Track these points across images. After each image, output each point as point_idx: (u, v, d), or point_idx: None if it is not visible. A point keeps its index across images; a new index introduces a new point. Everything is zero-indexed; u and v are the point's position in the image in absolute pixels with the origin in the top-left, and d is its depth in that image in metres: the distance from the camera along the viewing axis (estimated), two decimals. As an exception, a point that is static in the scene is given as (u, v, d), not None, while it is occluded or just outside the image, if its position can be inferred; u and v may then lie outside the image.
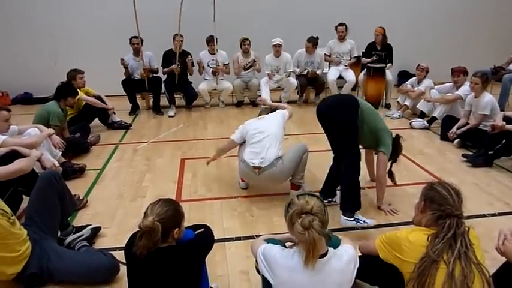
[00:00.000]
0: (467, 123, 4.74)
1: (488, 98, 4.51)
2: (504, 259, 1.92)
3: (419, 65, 5.93)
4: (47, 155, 3.49)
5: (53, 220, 2.47)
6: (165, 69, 6.37)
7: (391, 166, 3.26)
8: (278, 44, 6.46)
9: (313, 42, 6.52)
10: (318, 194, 1.76)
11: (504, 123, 3.97)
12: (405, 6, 7.94)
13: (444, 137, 4.90)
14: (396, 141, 3.21)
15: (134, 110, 6.45)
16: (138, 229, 1.76)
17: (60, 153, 3.88)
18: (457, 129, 4.72)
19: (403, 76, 7.71)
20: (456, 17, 8.14)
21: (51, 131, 3.83)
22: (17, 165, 2.69)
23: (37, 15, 7.05)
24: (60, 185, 2.57)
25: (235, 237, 2.86)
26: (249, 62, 6.55)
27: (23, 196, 3.05)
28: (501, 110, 4.65)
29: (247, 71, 6.65)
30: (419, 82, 5.91)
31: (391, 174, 3.27)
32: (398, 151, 3.26)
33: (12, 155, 2.93)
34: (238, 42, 6.55)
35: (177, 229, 1.83)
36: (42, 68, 7.10)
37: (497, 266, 1.98)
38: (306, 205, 1.62)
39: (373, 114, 3.10)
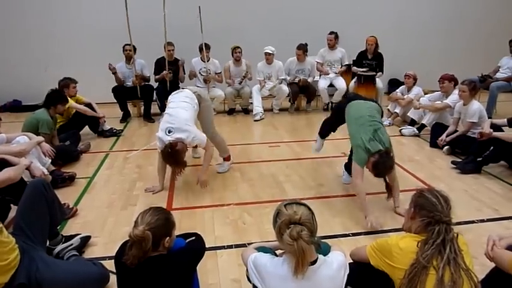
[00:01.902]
0: (456, 131, 4.80)
1: (477, 106, 4.58)
2: (493, 265, 1.95)
3: (406, 73, 6.02)
4: (36, 163, 3.45)
5: (41, 229, 2.43)
6: (157, 76, 6.39)
7: (385, 181, 3.23)
8: (268, 52, 6.52)
9: (303, 49, 6.60)
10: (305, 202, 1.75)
11: (492, 130, 4.04)
12: (395, 15, 8.05)
13: (434, 144, 4.95)
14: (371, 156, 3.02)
15: (125, 118, 6.43)
16: (129, 238, 1.75)
17: (50, 161, 3.84)
18: (446, 136, 4.78)
19: (393, 84, 7.81)
20: (446, 26, 8.28)
21: (41, 138, 3.79)
22: (5, 174, 2.65)
23: (27, 22, 7.01)
24: (49, 193, 2.53)
25: (227, 245, 2.84)
26: (243, 77, 6.61)
27: (11, 205, 3.01)
28: (489, 118, 4.73)
29: (241, 84, 6.70)
30: (408, 90, 5.99)
31: (387, 188, 3.28)
32: (375, 169, 3.02)
33: (1, 164, 2.89)
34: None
35: (167, 238, 1.82)
36: (32, 75, 7.04)
37: (486, 271, 2.01)
38: (294, 215, 1.61)
39: (352, 119, 3.36)
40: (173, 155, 3.37)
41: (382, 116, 3.54)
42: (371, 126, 3.16)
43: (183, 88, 4.09)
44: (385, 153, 3.02)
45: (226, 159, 4.29)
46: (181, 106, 3.62)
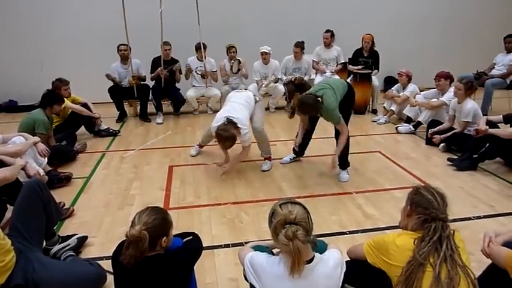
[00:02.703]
0: (451, 127, 4.82)
1: (471, 105, 4.58)
2: (489, 261, 1.96)
3: (399, 71, 6.04)
4: (32, 163, 3.44)
5: (37, 230, 2.42)
6: (152, 74, 6.36)
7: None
8: (265, 52, 6.51)
9: (300, 46, 6.58)
10: (299, 201, 1.75)
11: (487, 127, 4.06)
12: (392, 13, 8.05)
13: (430, 141, 4.96)
14: None
15: (121, 117, 6.40)
16: (125, 238, 1.74)
17: (46, 161, 3.82)
18: (439, 132, 4.80)
19: (389, 82, 7.80)
20: (442, 24, 8.29)
21: (37, 139, 3.77)
22: (0, 174, 2.64)
23: (22, 22, 6.95)
24: (44, 193, 2.52)
25: (224, 244, 2.85)
26: (233, 62, 6.57)
27: (7, 205, 3.00)
28: (484, 115, 4.74)
29: (235, 75, 6.68)
30: (404, 88, 6.01)
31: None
32: (298, 105, 3.52)
33: (-4, 164, 2.88)
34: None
35: (165, 237, 1.81)
36: (28, 75, 6.99)
37: (482, 268, 2.02)
38: (290, 215, 1.61)
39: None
40: (228, 129, 3.64)
41: (351, 94, 3.93)
42: (316, 87, 3.63)
43: (245, 88, 4.58)
44: (311, 94, 3.41)
45: (268, 158, 4.31)
46: (242, 104, 3.98)
